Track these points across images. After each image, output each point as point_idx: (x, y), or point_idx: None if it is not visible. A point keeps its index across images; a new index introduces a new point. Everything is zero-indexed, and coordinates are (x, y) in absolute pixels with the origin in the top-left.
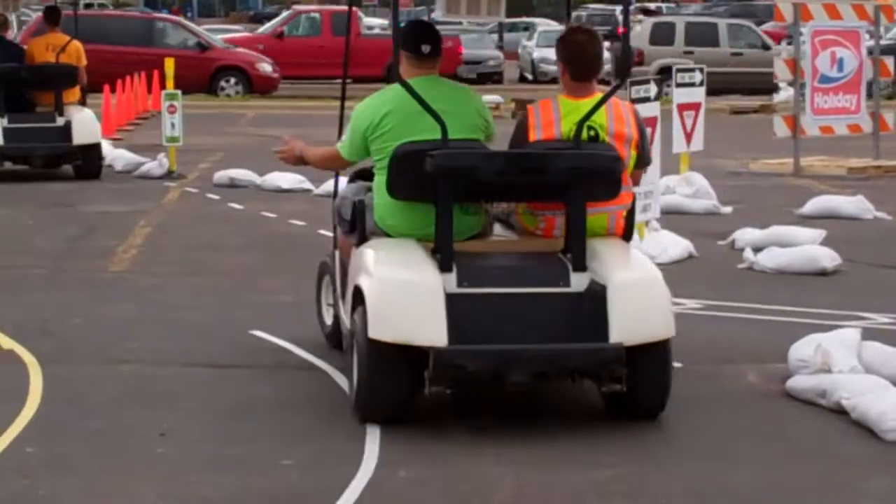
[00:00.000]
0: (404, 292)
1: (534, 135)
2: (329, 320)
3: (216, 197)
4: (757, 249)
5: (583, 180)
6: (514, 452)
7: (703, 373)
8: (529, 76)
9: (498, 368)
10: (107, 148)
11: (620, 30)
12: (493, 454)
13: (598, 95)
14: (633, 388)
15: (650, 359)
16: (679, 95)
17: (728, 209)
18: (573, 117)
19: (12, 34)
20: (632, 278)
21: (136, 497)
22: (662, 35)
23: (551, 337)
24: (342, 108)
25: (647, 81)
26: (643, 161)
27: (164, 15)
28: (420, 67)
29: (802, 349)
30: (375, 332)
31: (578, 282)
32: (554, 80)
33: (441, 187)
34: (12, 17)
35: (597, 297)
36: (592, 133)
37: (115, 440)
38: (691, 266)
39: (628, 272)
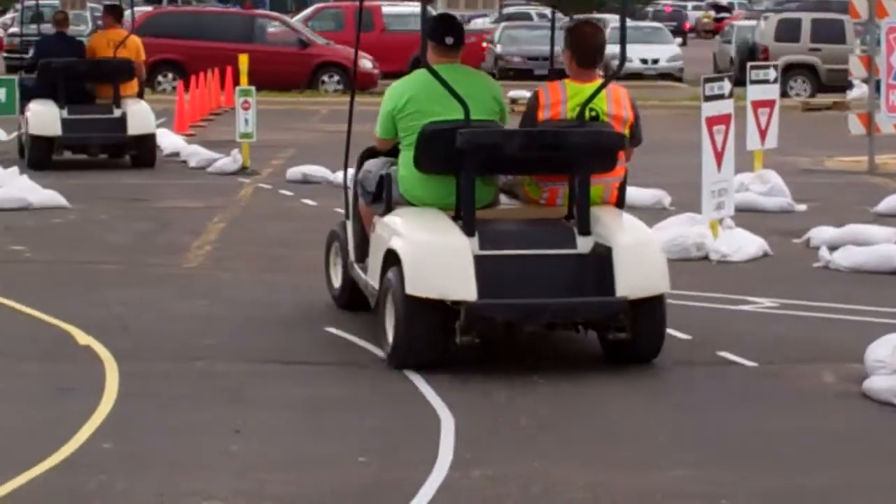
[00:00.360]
0: (439, 254)
1: (542, 115)
2: (337, 283)
3: (289, 193)
4: (832, 248)
5: (589, 155)
6: (588, 452)
7: (778, 372)
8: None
9: (521, 319)
10: (180, 143)
11: (687, 25)
12: (567, 454)
13: (599, 81)
14: (633, 337)
15: (649, 311)
16: (753, 92)
17: (802, 207)
18: (578, 99)
19: (86, 29)
20: (634, 241)
21: (210, 493)
22: (788, 32)
23: (562, 292)
24: (352, 103)
25: (721, 79)
26: (636, 140)
27: (265, 11)
28: (444, 56)
29: (879, 349)
30: (412, 288)
31: (584, 244)
32: (628, 77)
33: (467, 161)
34: (87, 13)
35: (601, 257)
36: (593, 114)
37: (190, 436)
38: (766, 264)
39: (630, 235)
